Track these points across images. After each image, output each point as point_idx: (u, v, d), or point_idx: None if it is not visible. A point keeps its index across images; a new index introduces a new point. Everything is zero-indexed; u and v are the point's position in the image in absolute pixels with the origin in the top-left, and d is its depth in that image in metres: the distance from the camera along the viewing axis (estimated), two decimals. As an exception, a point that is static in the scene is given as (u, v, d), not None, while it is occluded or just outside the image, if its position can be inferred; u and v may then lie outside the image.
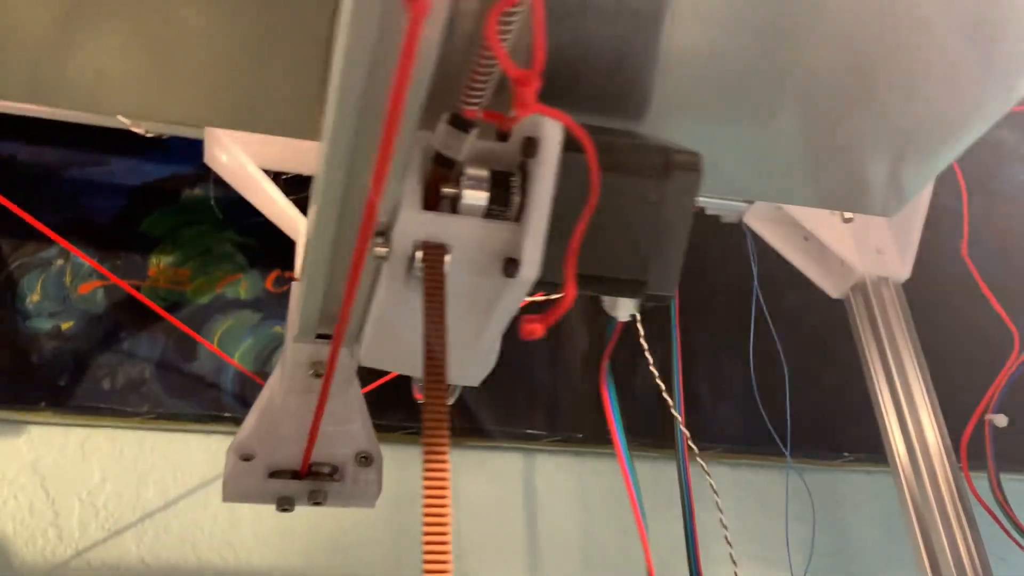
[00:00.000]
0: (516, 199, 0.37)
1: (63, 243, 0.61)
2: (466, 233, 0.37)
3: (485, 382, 0.44)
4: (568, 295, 0.30)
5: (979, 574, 0.59)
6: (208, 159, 0.63)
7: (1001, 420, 0.60)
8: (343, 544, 0.71)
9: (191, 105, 0.41)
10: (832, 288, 0.73)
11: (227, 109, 0.42)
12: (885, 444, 0.66)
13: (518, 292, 0.37)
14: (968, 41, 0.40)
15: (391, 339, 0.42)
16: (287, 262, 0.78)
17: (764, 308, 0.76)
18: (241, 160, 0.60)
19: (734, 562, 0.65)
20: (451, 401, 0.48)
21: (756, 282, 0.74)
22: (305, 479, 0.52)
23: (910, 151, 0.47)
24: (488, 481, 0.77)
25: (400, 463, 0.60)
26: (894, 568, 0.85)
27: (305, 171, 0.70)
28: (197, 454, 0.71)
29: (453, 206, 0.37)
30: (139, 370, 0.70)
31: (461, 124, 0.36)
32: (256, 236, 0.78)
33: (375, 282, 0.41)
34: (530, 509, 0.77)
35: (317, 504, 0.52)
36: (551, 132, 0.35)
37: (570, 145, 0.35)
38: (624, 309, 0.41)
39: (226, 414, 0.70)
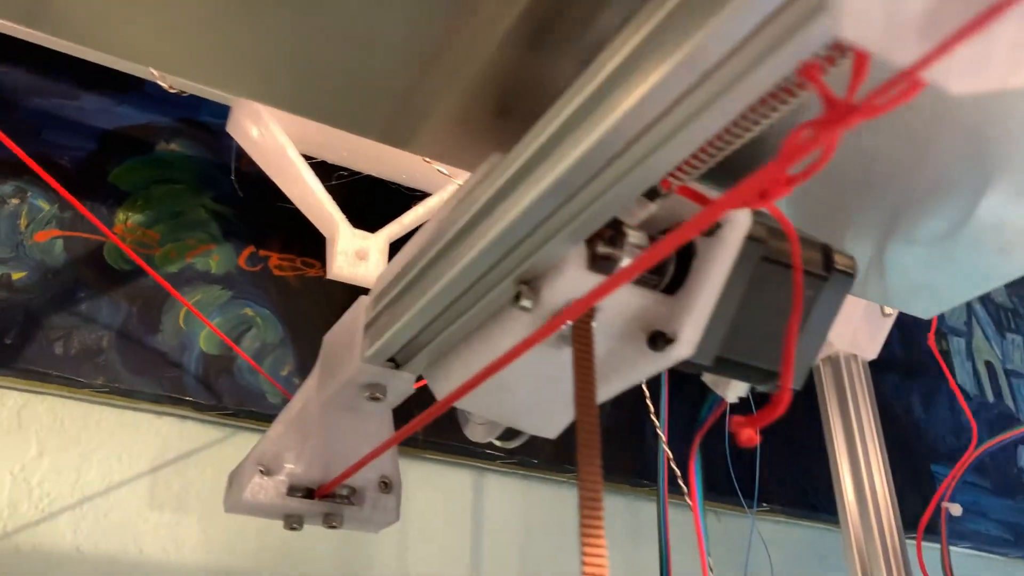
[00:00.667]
0: (670, 272, 0.36)
1: (38, 171, 0.54)
2: (618, 298, 0.35)
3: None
4: (784, 399, 0.29)
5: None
6: (233, 128, 0.57)
7: (956, 509, 0.65)
8: (295, 548, 0.67)
9: (253, 79, 0.37)
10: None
11: (292, 91, 0.38)
12: (839, 506, 0.69)
13: (659, 366, 0.36)
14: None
15: (491, 386, 0.40)
16: (263, 240, 0.73)
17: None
18: (279, 140, 0.55)
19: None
20: (514, 445, 0.46)
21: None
22: (322, 500, 0.48)
23: (973, 263, 0.49)
24: (438, 495, 0.76)
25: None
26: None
27: (342, 161, 0.65)
28: (147, 436, 0.65)
29: (604, 266, 0.36)
30: (96, 337, 0.63)
31: (651, 193, 0.34)
32: (233, 205, 0.72)
33: (487, 325, 0.39)
34: (476, 527, 0.76)
35: (332, 527, 0.48)
36: (742, 218, 0.34)
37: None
38: (735, 391, 0.41)
39: (187, 397, 0.65)
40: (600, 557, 0.30)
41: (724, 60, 0.25)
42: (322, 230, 0.57)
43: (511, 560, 0.76)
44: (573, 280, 0.34)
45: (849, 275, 0.37)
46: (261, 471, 0.47)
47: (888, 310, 0.72)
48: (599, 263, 0.35)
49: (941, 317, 1.26)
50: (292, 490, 0.48)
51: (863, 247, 0.49)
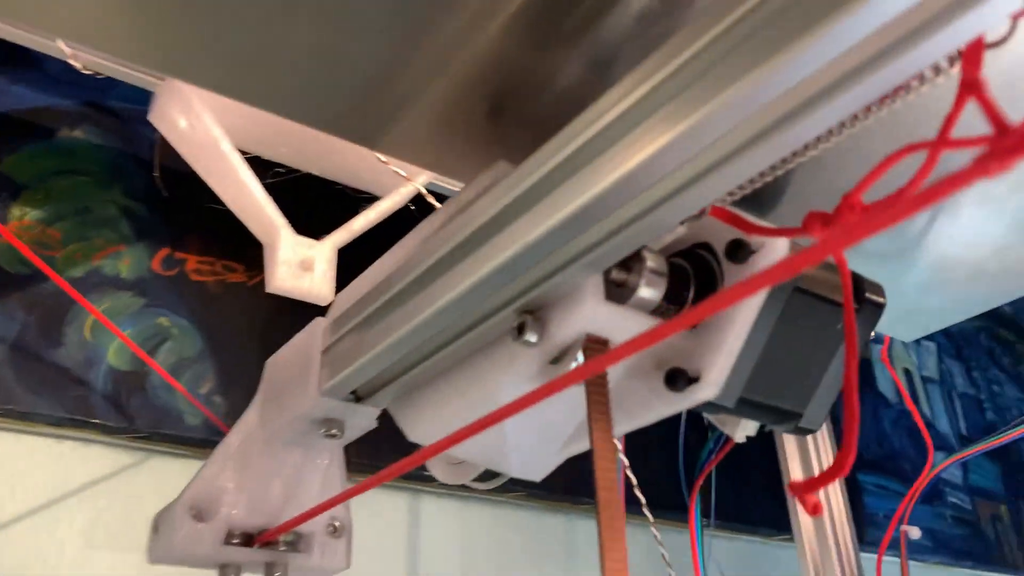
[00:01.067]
0: (689, 300, 0.32)
1: None
2: (632, 330, 0.31)
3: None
4: (849, 459, 0.25)
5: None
6: (157, 118, 0.50)
7: (915, 532, 0.63)
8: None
9: (192, 57, 0.31)
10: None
11: (238, 73, 0.33)
12: (793, 520, 0.67)
13: (677, 407, 0.32)
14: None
15: (485, 434, 0.35)
16: (179, 241, 0.65)
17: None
18: (211, 132, 0.48)
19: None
20: (492, 487, 0.41)
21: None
22: (264, 547, 0.42)
23: (968, 290, 0.47)
24: (372, 519, 0.70)
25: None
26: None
27: (279, 157, 0.58)
28: (45, 464, 0.57)
29: (619, 294, 0.31)
30: (-14, 352, 0.55)
31: (681, 214, 0.30)
32: (147, 201, 0.65)
33: (474, 358, 0.34)
34: (412, 551, 0.70)
35: (274, 577, 0.42)
36: (780, 245, 0.30)
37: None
38: (745, 431, 0.37)
39: (94, 420, 0.57)
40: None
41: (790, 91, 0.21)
42: (260, 236, 0.51)
43: (449, 584, 0.71)
44: (589, 312, 0.29)
45: (880, 305, 0.34)
46: (194, 516, 0.40)
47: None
48: (614, 291, 0.31)
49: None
50: (230, 537, 0.41)
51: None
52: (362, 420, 0.39)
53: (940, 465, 0.63)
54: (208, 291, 0.65)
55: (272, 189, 0.52)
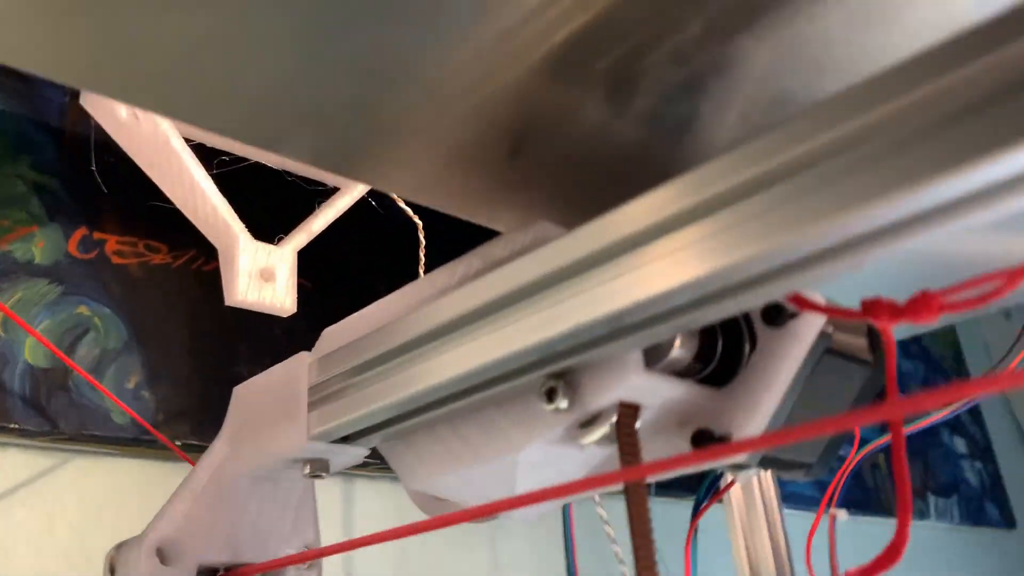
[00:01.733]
0: (716, 358, 0.31)
1: None
2: (664, 394, 0.30)
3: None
4: (901, 547, 0.25)
5: None
6: (92, 106, 0.44)
7: (843, 515, 0.66)
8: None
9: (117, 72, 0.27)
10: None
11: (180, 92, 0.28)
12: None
13: (702, 467, 0.31)
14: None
15: (487, 479, 0.33)
16: (98, 219, 0.60)
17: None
18: (159, 127, 0.42)
19: None
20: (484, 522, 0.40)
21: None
22: (232, 583, 0.40)
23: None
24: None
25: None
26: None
27: (222, 144, 0.52)
28: (-43, 472, 0.52)
29: (653, 357, 0.30)
30: None
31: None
32: (59, 176, 0.59)
33: (488, 413, 0.32)
34: (347, 534, 0.69)
35: (244, 615, 0.40)
36: (817, 316, 0.29)
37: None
38: (748, 475, 0.36)
39: (12, 425, 0.52)
40: None
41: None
42: (215, 242, 0.46)
43: (385, 569, 0.70)
44: (630, 383, 0.28)
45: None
46: (161, 558, 0.38)
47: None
48: (647, 353, 0.29)
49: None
50: (201, 572, 0.39)
51: None
52: (347, 460, 0.37)
53: (866, 449, 0.65)
54: (130, 275, 0.60)
55: (217, 181, 0.47)
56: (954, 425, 1.69)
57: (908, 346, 1.64)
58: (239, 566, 0.40)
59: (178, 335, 0.61)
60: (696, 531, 0.48)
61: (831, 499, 0.64)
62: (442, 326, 0.30)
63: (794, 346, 0.29)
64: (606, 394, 0.28)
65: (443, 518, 0.30)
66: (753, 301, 0.24)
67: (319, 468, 0.36)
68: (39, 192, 0.57)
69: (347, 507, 0.70)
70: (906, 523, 0.26)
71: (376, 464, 0.68)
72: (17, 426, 0.52)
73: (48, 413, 0.53)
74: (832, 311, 0.27)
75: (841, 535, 0.67)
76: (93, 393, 0.55)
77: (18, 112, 0.58)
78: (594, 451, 0.33)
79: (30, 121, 0.58)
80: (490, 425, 0.32)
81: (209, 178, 0.46)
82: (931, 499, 1.45)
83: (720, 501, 0.55)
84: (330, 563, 0.66)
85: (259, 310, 0.46)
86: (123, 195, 0.61)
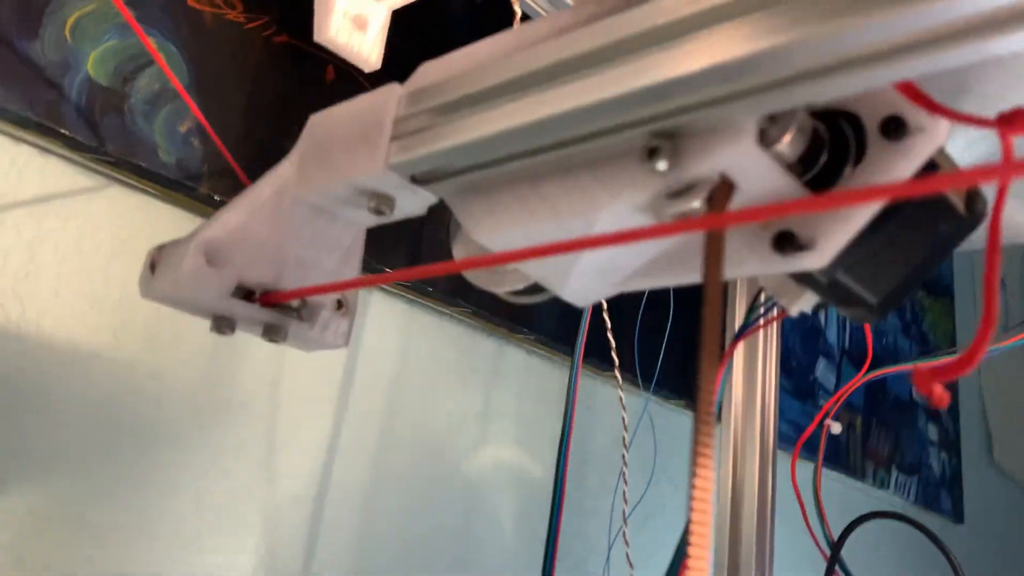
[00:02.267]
0: (820, 164, 0.31)
1: None
2: (765, 181, 0.30)
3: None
4: (981, 349, 0.25)
5: (766, 530, 0.67)
6: None
7: (836, 427, 0.67)
8: (160, 338, 0.58)
9: None
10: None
11: None
12: (726, 402, 0.70)
13: (773, 269, 0.31)
14: None
15: (557, 237, 0.33)
16: (181, -43, 0.58)
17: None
18: None
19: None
20: (525, 302, 0.40)
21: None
22: (268, 307, 0.40)
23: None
24: (369, 319, 0.68)
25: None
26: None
27: None
28: None
29: (765, 139, 0.29)
30: (-46, 24, 0.48)
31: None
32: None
33: (576, 172, 0.32)
34: (352, 344, 0.69)
35: (272, 341, 0.41)
36: (941, 132, 0.29)
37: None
38: (802, 304, 0.36)
39: (63, 130, 0.51)
40: (708, 463, 0.26)
41: None
42: (313, -23, 0.45)
43: (381, 385, 0.71)
44: (740, 152, 0.28)
45: (981, 220, 0.33)
46: (207, 259, 0.38)
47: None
48: (761, 135, 0.29)
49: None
50: (236, 289, 0.39)
51: None
52: (413, 204, 0.37)
53: (871, 374, 0.66)
54: (204, 22, 0.59)
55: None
56: (932, 413, 1.71)
57: (910, 327, 1.65)
58: (276, 292, 0.40)
59: (237, 96, 0.60)
60: (731, 360, 0.48)
61: (828, 412, 0.65)
62: (548, 66, 0.30)
63: (906, 163, 0.29)
64: (710, 160, 0.28)
65: (489, 257, 0.30)
66: (872, 79, 0.23)
67: (384, 204, 0.36)
68: (129, -88, 0.56)
69: (360, 312, 0.70)
70: (988, 328, 0.26)
71: (402, 283, 0.68)
72: (67, 133, 0.51)
73: (99, 130, 0.53)
74: (957, 116, 0.27)
75: (803, 485, 0.68)
76: (146, 124, 0.55)
77: None
78: (667, 243, 0.33)
79: None
80: (575, 183, 0.32)
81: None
82: (894, 472, 1.48)
83: (763, 329, 0.55)
84: (328, 384, 0.67)
85: (343, 55, 0.45)
86: (210, -60, 0.59)
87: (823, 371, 1.32)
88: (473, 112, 0.32)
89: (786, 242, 0.30)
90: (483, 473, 0.78)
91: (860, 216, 0.29)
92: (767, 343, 0.70)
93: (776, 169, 0.29)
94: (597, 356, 0.76)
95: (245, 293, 0.40)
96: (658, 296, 0.89)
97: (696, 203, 0.29)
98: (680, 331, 0.90)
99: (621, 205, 0.30)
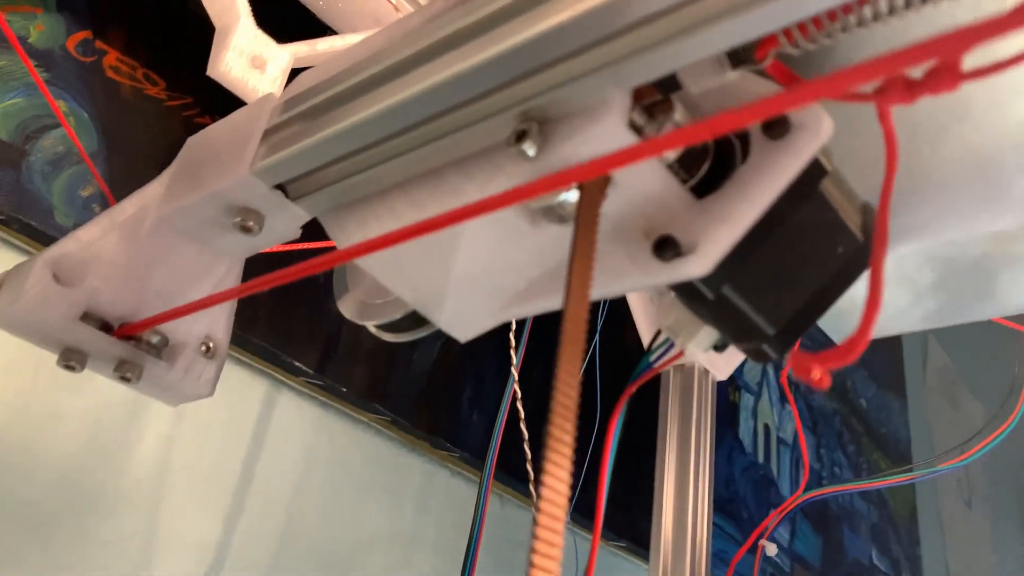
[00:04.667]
0: (703, 170, 0.29)
1: None
2: (643, 177, 0.28)
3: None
4: (864, 340, 0.22)
5: None
6: None
7: (772, 549, 0.62)
8: (34, 403, 0.53)
9: None
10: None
11: None
12: (654, 528, 0.65)
13: (656, 279, 0.28)
14: None
15: (423, 249, 0.30)
16: (105, 30, 0.58)
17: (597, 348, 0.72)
18: None
19: None
20: (401, 340, 0.37)
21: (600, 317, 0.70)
22: (122, 340, 0.36)
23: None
24: (223, 393, 0.63)
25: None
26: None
27: None
28: None
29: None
30: None
31: (737, 57, 0.27)
32: (82, -24, 0.57)
33: (445, 172, 0.30)
34: (255, 441, 0.64)
35: (124, 380, 0.37)
36: (824, 127, 0.27)
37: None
38: (703, 342, 0.33)
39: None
40: (564, 471, 0.23)
41: None
42: (215, 18, 0.45)
43: (282, 492, 0.66)
44: (608, 133, 0.26)
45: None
46: (55, 275, 0.34)
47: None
48: (636, 130, 0.27)
49: (739, 370, 1.28)
50: (87, 317, 0.35)
51: None
52: (285, 223, 0.34)
53: (809, 494, 0.62)
54: (121, 94, 0.58)
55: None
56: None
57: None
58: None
59: (148, 168, 0.58)
60: (623, 412, 0.44)
61: (763, 532, 0.60)
62: (406, 57, 0.28)
63: (788, 161, 0.27)
64: (579, 143, 0.26)
65: (344, 251, 0.27)
66: (727, 34, 0.22)
67: (251, 219, 0.33)
68: (56, -19, 0.56)
69: (265, 411, 0.66)
70: (869, 324, 0.23)
71: (308, 377, 0.65)
72: (-45, 185, 0.49)
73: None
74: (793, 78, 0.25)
75: None
76: (44, 184, 0.53)
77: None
78: (547, 246, 0.30)
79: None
80: (444, 183, 0.30)
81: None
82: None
83: (658, 375, 0.51)
84: (222, 481, 0.62)
85: (237, 92, 0.44)
86: (141, 18, 0.59)
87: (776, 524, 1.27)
88: (337, 110, 0.30)
89: (667, 248, 0.28)
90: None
91: (742, 219, 0.27)
92: (699, 469, 0.66)
93: (654, 165, 0.27)
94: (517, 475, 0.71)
95: (101, 325, 0.36)
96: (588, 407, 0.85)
97: (569, 195, 0.27)
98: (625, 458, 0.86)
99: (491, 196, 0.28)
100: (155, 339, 0.37)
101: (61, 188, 0.53)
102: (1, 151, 0.51)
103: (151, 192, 0.36)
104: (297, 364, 0.65)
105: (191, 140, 0.37)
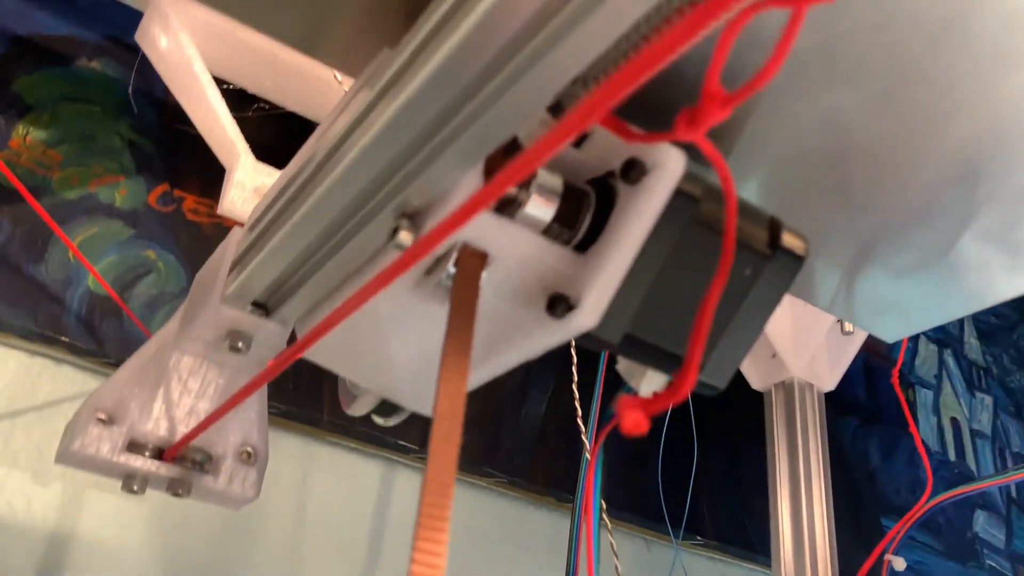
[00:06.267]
0: (585, 225, 0.30)
1: None
2: (517, 248, 0.29)
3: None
4: (687, 381, 0.23)
5: None
6: (141, 37, 0.50)
7: (899, 564, 0.59)
8: (170, 522, 0.60)
9: None
10: (756, 377, 0.69)
11: None
12: (774, 548, 0.63)
13: (556, 337, 0.29)
14: None
15: (360, 340, 0.33)
16: (181, 179, 0.66)
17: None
18: (187, 52, 0.48)
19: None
20: (393, 423, 0.40)
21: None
22: (169, 462, 0.41)
23: (947, 291, 0.43)
24: (342, 483, 0.69)
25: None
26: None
27: (263, 92, 0.58)
28: (15, 376, 0.58)
29: (507, 210, 0.29)
30: (-34, 257, 0.56)
31: (556, 109, 0.28)
32: (153, 138, 0.65)
33: (358, 265, 0.32)
34: (378, 522, 0.69)
35: (177, 495, 0.42)
36: (673, 164, 0.28)
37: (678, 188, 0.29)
38: (651, 384, 0.34)
39: (63, 338, 0.57)
40: (438, 556, 0.24)
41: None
42: (222, 160, 0.51)
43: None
44: (464, 204, 0.28)
45: (798, 257, 0.31)
46: (100, 419, 0.40)
47: (849, 327, 0.66)
48: (503, 207, 0.29)
49: (911, 367, 1.21)
50: (134, 446, 0.41)
51: (834, 262, 0.43)
52: (268, 336, 0.38)
53: (938, 498, 0.58)
54: (202, 232, 0.65)
55: (253, 123, 0.52)
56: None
57: None
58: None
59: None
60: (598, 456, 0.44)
61: (889, 544, 0.57)
62: (311, 171, 0.31)
63: (647, 203, 0.28)
64: (444, 222, 0.28)
65: (294, 347, 0.30)
66: (544, 81, 0.23)
67: (238, 340, 0.38)
68: (132, 149, 0.64)
69: (384, 491, 0.70)
70: (695, 358, 0.23)
71: (417, 452, 0.68)
72: (67, 340, 0.57)
73: (98, 335, 0.58)
74: (630, 134, 0.26)
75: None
76: (144, 325, 0.60)
77: (128, 80, 0.66)
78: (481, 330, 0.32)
79: (137, 90, 0.66)
80: (360, 282, 0.32)
81: (222, 100, 0.50)
82: None
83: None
84: (357, 550, 0.66)
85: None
86: (208, 162, 0.67)
87: (984, 525, 1.17)
88: (272, 227, 0.34)
89: (558, 305, 0.29)
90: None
91: (616, 266, 0.28)
92: (808, 474, 0.64)
93: (521, 231, 0.29)
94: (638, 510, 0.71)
95: (155, 452, 0.41)
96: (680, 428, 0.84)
97: (446, 275, 0.29)
98: (722, 468, 0.83)
99: (389, 292, 0.30)
100: (198, 456, 0.42)
101: (158, 326, 0.60)
102: (105, 305, 0.59)
103: (169, 328, 0.41)
104: (403, 443, 0.68)
105: (197, 276, 0.42)
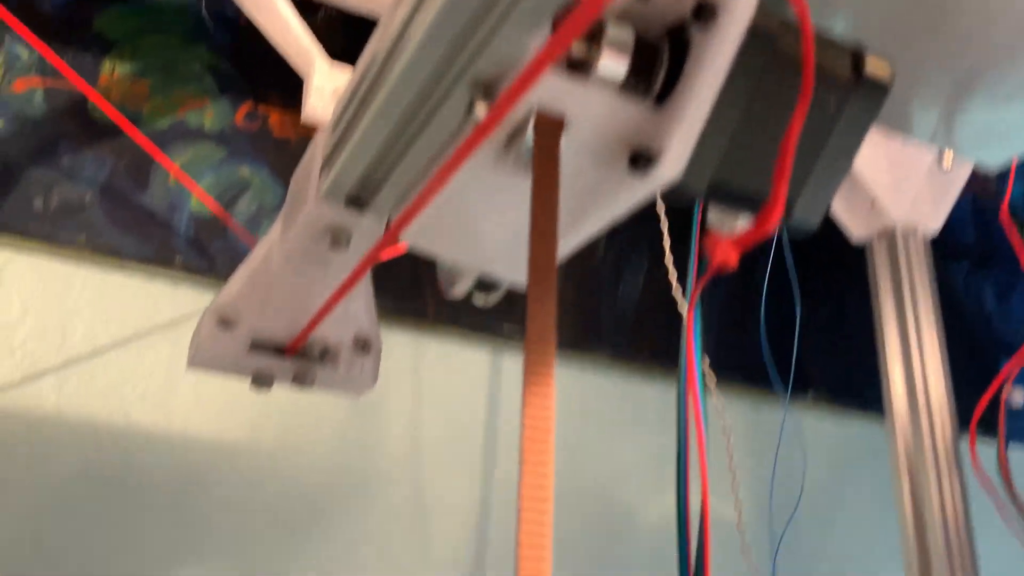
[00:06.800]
0: (660, 76, 0.30)
1: (10, 21, 0.49)
2: (594, 108, 0.29)
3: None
4: (775, 215, 0.23)
5: (963, 539, 0.58)
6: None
7: (1019, 397, 0.58)
8: (297, 419, 0.64)
9: None
10: (856, 228, 0.68)
11: None
12: (885, 399, 0.63)
13: (640, 192, 0.30)
14: None
15: (452, 219, 0.34)
16: (263, 94, 0.67)
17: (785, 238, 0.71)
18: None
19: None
20: (493, 301, 0.41)
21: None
22: (291, 357, 0.44)
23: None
24: (451, 372, 0.71)
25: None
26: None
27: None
28: (136, 300, 0.61)
29: (576, 72, 0.29)
30: (79, 193, 0.59)
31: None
32: (231, 58, 0.67)
33: (442, 146, 0.33)
34: (491, 406, 0.71)
35: (302, 388, 0.44)
36: (746, 5, 0.27)
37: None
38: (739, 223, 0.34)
39: (176, 258, 0.61)
40: (547, 409, 0.25)
41: None
42: (297, 69, 0.51)
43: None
44: (542, 83, 0.28)
45: (882, 86, 0.30)
46: (220, 324, 0.42)
47: (948, 164, 0.63)
48: (575, 67, 0.29)
49: (1023, 204, 1.15)
50: (256, 346, 0.43)
51: (932, 93, 0.42)
52: (368, 230, 0.40)
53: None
54: (290, 146, 0.67)
55: (321, 30, 0.52)
56: None
57: None
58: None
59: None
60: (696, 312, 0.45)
61: (1004, 381, 0.56)
62: (384, 56, 0.32)
63: (721, 44, 0.27)
64: (518, 90, 0.28)
65: (386, 236, 0.32)
66: None
67: (339, 235, 0.39)
68: (212, 72, 0.66)
69: (494, 376, 0.72)
70: (781, 192, 0.23)
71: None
72: (180, 260, 0.60)
73: (208, 254, 0.61)
74: None
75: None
76: (248, 240, 0.63)
77: (195, 4, 0.67)
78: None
79: (210, 12, 0.67)
80: (444, 159, 0.33)
81: (291, 7, 0.50)
82: None
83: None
84: (469, 447, 0.69)
85: (331, 124, 0.50)
86: (285, 74, 0.68)
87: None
88: (356, 119, 0.35)
89: (640, 160, 0.29)
90: (662, 524, 0.75)
91: (695, 114, 0.28)
92: (918, 322, 0.63)
93: (596, 90, 0.29)
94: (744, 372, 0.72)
95: (276, 349, 0.44)
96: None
97: (526, 145, 0.29)
98: (830, 319, 0.83)
99: (471, 165, 0.31)
100: (317, 349, 0.44)
101: (263, 239, 0.63)
102: (210, 226, 0.62)
103: (273, 234, 0.43)
104: (508, 324, 0.70)
105: (292, 180, 0.44)
